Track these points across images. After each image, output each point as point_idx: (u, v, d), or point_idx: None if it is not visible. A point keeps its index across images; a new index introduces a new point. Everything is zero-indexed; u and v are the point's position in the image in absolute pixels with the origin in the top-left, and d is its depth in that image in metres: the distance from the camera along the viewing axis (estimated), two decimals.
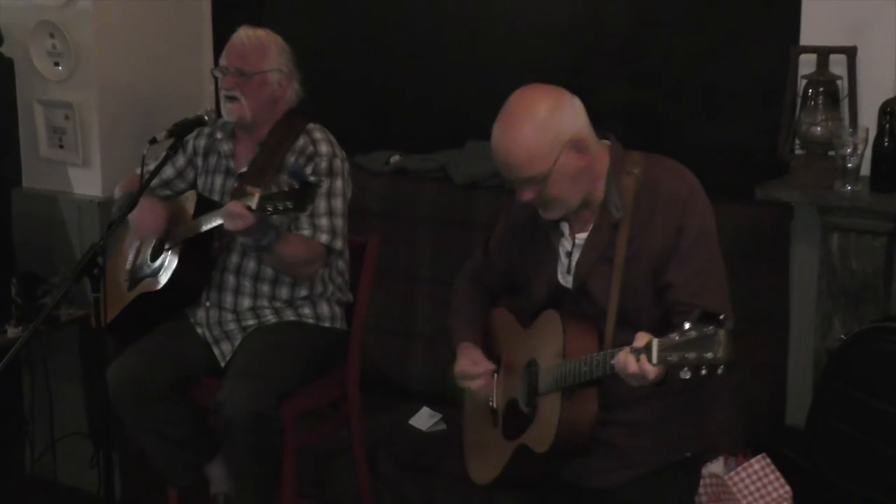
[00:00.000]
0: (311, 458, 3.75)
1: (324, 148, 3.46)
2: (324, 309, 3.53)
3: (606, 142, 2.79)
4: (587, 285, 2.75)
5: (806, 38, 3.49)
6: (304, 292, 3.50)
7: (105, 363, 3.43)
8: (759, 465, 3.02)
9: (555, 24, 4.06)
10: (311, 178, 2.99)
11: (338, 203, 3.44)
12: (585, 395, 2.64)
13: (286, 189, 2.98)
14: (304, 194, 2.99)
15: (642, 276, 2.70)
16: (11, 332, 3.91)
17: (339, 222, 3.43)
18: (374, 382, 3.90)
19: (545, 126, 2.63)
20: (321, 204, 3.40)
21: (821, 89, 3.41)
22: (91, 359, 4.04)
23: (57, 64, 4.26)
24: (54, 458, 4.45)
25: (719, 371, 2.28)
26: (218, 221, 3.23)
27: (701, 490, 2.96)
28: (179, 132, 3.31)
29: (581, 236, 2.78)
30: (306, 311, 3.51)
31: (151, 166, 3.39)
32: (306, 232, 3.38)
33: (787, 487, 3.00)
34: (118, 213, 3.49)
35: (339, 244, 3.43)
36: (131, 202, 3.18)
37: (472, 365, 2.92)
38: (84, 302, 4.03)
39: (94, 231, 4.17)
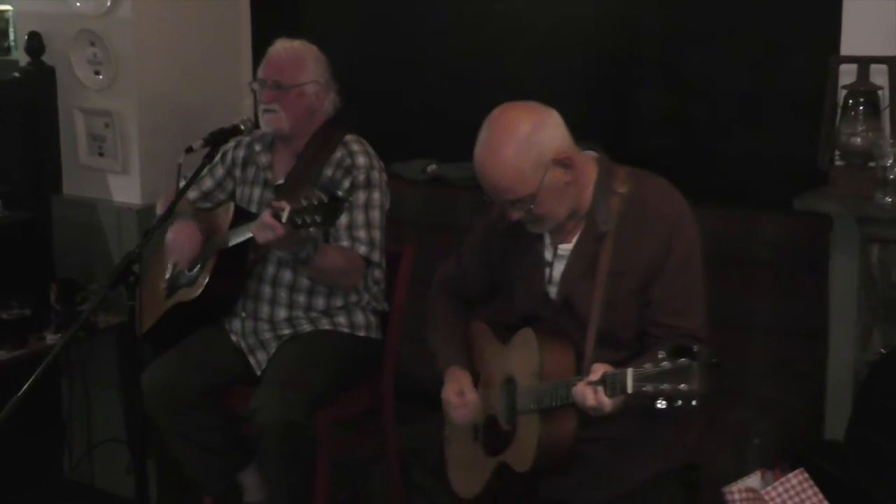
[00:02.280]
0: (345, 467, 3.75)
1: (361, 160, 3.46)
2: (359, 318, 3.53)
3: (592, 153, 2.78)
4: (571, 298, 2.75)
5: (846, 48, 3.45)
6: (339, 302, 3.51)
7: (142, 370, 3.46)
8: (797, 480, 3.00)
9: (591, 32, 4.05)
10: (341, 193, 2.98)
11: (375, 215, 3.44)
12: (564, 416, 2.63)
13: (315, 203, 2.97)
14: (332, 208, 2.97)
15: (627, 292, 2.69)
16: (50, 338, 3.94)
17: (377, 234, 3.44)
18: (408, 391, 3.89)
19: (528, 147, 2.61)
20: (359, 216, 3.41)
21: (861, 99, 3.37)
22: (128, 365, 4.05)
23: (97, 72, 4.29)
24: (91, 464, 4.49)
25: (693, 403, 2.28)
26: (249, 234, 3.24)
27: None
28: (215, 141, 3.32)
29: (564, 247, 2.77)
30: (341, 319, 3.51)
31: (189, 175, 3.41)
32: (345, 244, 3.39)
33: (826, 503, 2.98)
34: (157, 222, 3.51)
35: (376, 256, 3.43)
36: (168, 212, 3.19)
37: (457, 395, 2.89)
38: (122, 309, 4.05)
39: (133, 238, 4.19)
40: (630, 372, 2.36)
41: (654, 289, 2.68)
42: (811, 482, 3.01)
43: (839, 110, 3.41)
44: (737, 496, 2.97)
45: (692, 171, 3.84)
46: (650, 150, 3.91)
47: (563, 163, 2.65)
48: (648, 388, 2.31)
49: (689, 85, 3.88)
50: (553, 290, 2.79)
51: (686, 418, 2.49)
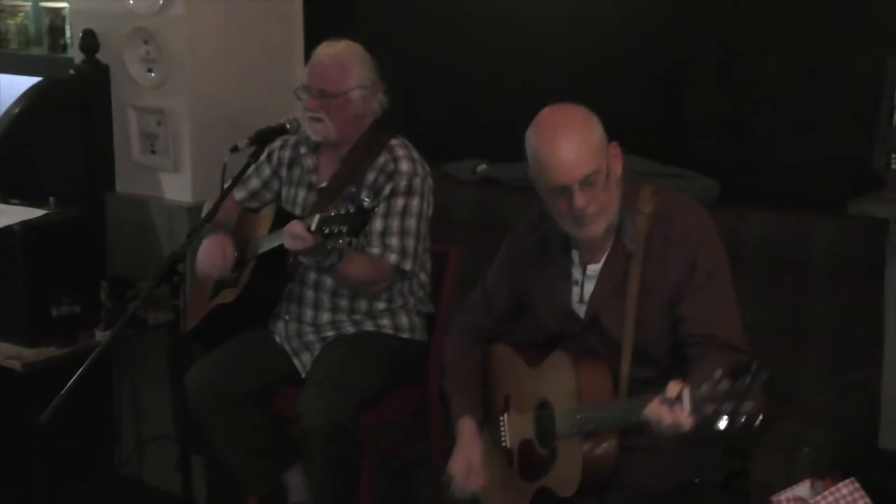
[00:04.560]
0: (391, 469, 3.74)
1: (404, 166, 3.44)
2: (403, 320, 3.52)
3: None
4: (600, 317, 2.75)
5: None
6: (382, 305, 3.50)
7: (189, 368, 3.47)
8: (848, 490, 2.93)
9: (645, 34, 4.01)
10: (366, 204, 2.95)
11: (411, 223, 3.40)
12: (606, 436, 2.63)
13: (342, 213, 2.96)
14: (358, 219, 2.95)
15: (657, 309, 2.70)
16: (100, 335, 3.94)
17: (411, 243, 3.40)
18: None
19: (591, 124, 2.69)
20: (394, 223, 3.39)
21: None
22: (178, 363, 4.08)
23: (150, 70, 4.31)
24: (141, 460, 4.52)
25: (757, 422, 2.26)
26: (280, 241, 3.22)
27: None
28: (261, 140, 3.32)
29: (593, 267, 2.77)
30: (385, 321, 3.50)
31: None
32: (375, 250, 3.37)
33: None
34: (200, 222, 3.51)
35: (408, 265, 3.40)
36: (212, 212, 3.20)
37: (464, 473, 2.89)
38: (170, 306, 4.06)
39: (183, 236, 4.17)
40: (687, 393, 2.34)
41: (684, 304, 2.67)
42: (862, 492, 2.93)
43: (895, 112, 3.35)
44: None
45: (745, 174, 3.82)
46: (703, 153, 3.87)
47: (615, 148, 2.71)
48: (709, 408, 2.29)
49: (742, 87, 3.83)
50: (582, 310, 2.79)
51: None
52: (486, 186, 4.23)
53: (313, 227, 3.01)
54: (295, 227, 3.10)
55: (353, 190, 3.00)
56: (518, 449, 2.89)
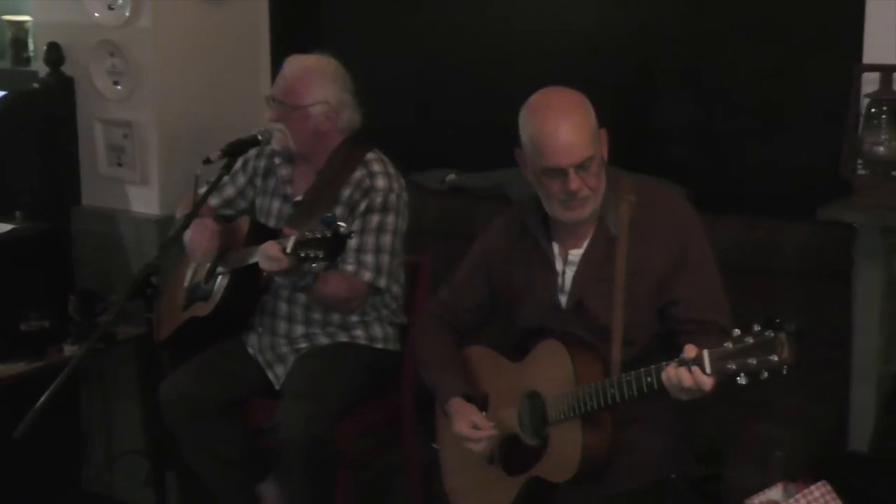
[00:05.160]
0: (366, 478, 3.73)
1: (380, 182, 3.43)
2: (376, 330, 3.52)
3: None
4: (584, 302, 2.76)
5: (869, 56, 3.42)
6: (355, 317, 3.50)
7: (161, 381, 3.45)
8: (820, 492, 2.96)
9: (614, 41, 4.03)
10: (342, 230, 2.94)
11: (386, 239, 3.41)
12: (602, 419, 2.66)
13: (319, 236, 2.93)
14: (335, 245, 2.93)
15: (643, 292, 2.72)
16: (69, 350, 3.92)
17: (386, 259, 3.40)
18: (429, 402, 3.87)
19: (589, 109, 2.73)
20: (369, 240, 3.38)
21: (884, 108, 3.33)
22: (148, 377, 4.06)
23: (116, 83, 4.29)
24: (111, 476, 4.48)
25: (784, 372, 2.29)
26: (255, 260, 3.21)
27: None
28: (233, 152, 3.32)
29: (575, 252, 2.80)
30: (359, 332, 3.51)
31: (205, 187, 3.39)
32: (350, 268, 3.36)
33: None
34: (174, 232, 3.50)
35: (383, 282, 3.40)
36: (185, 222, 3.19)
37: (471, 428, 2.85)
38: (141, 320, 4.01)
39: (152, 249, 4.17)
40: (706, 353, 2.36)
41: (677, 286, 2.71)
42: (833, 495, 2.97)
43: (862, 119, 3.38)
44: None
45: (714, 181, 3.85)
46: (672, 160, 3.90)
47: (603, 139, 2.75)
48: (732, 365, 2.31)
49: (710, 93, 3.86)
50: (563, 299, 2.80)
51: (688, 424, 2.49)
52: (455, 196, 4.23)
53: (289, 249, 2.99)
54: (271, 248, 3.09)
55: (330, 215, 2.97)
56: (500, 445, 2.88)
